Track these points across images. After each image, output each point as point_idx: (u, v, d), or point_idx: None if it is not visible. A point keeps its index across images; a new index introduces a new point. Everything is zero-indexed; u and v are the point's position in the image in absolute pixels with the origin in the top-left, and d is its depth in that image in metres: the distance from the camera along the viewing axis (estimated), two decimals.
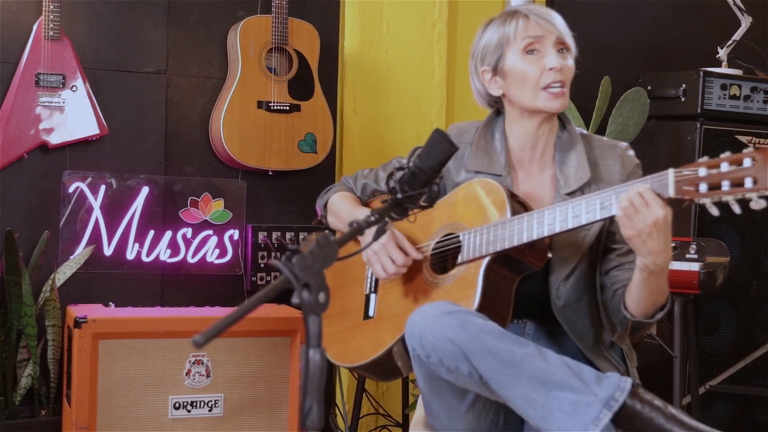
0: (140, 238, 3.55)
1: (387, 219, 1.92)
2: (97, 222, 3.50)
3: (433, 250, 2.34)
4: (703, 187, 1.89)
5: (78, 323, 3.04)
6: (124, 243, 3.53)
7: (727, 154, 1.87)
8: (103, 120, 3.44)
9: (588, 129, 3.56)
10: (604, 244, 2.29)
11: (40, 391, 3.32)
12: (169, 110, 3.63)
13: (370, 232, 1.92)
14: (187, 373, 3.17)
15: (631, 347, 2.36)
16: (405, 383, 3.64)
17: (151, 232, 3.57)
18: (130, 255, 3.55)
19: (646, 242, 1.98)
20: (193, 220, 3.64)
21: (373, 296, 2.45)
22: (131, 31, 3.57)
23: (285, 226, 3.74)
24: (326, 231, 2.56)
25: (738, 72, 3.91)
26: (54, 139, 3.38)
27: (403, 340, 2.17)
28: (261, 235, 3.70)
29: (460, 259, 2.26)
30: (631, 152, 2.35)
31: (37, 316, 3.30)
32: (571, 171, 2.30)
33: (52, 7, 3.30)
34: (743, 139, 3.80)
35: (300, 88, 3.64)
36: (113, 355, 3.10)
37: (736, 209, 1.87)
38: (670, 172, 1.95)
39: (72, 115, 3.39)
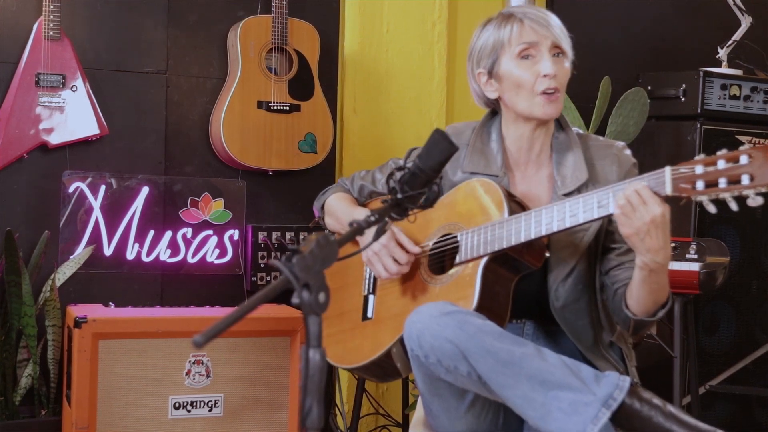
0: (140, 238, 3.55)
1: (387, 219, 1.92)
2: (97, 222, 3.50)
3: (431, 250, 2.34)
4: (700, 185, 1.89)
5: (78, 323, 3.04)
6: (124, 243, 3.53)
7: (723, 152, 1.88)
8: (103, 120, 3.44)
9: (588, 129, 3.56)
10: (603, 243, 2.29)
11: (40, 391, 3.32)
12: (169, 110, 3.63)
13: (369, 233, 1.92)
14: (187, 373, 3.17)
15: (630, 347, 2.36)
16: (405, 383, 3.64)
17: (151, 232, 3.57)
18: (130, 255, 3.55)
19: (644, 240, 1.98)
20: (193, 220, 3.64)
21: (371, 297, 2.45)
22: (131, 31, 3.57)
23: (285, 226, 3.74)
24: (326, 231, 2.57)
25: (738, 72, 3.91)
26: (54, 139, 3.38)
27: (401, 340, 2.17)
28: (261, 235, 3.70)
29: (458, 259, 2.26)
30: (628, 152, 2.35)
31: (37, 316, 3.30)
32: (568, 171, 2.30)
33: (52, 7, 3.30)
34: (743, 139, 3.81)
35: (300, 88, 3.64)
36: (113, 355, 3.10)
37: (734, 206, 1.87)
38: (667, 169, 1.95)
39: (72, 115, 3.39)
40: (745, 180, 1.83)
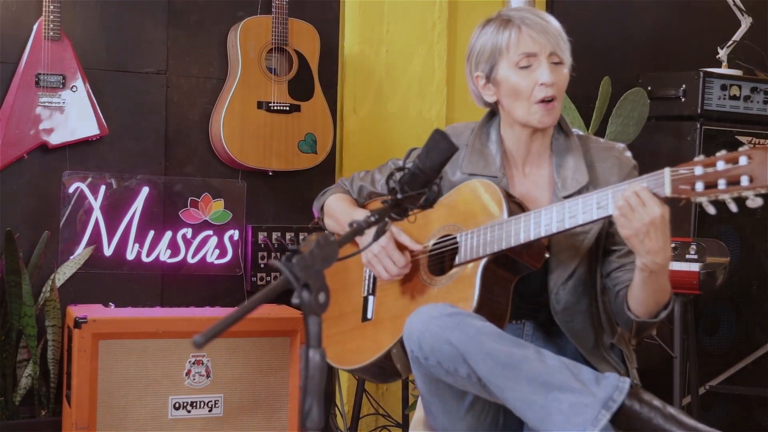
0: (140, 239, 3.55)
1: (387, 219, 1.92)
2: (97, 222, 3.50)
3: (431, 251, 2.34)
4: (699, 186, 1.89)
5: (78, 323, 3.04)
6: (124, 243, 3.53)
7: (722, 153, 1.87)
8: (103, 120, 3.44)
9: (588, 130, 3.56)
10: (604, 246, 2.29)
11: (40, 391, 3.32)
12: (169, 110, 3.63)
13: (369, 233, 1.92)
14: (187, 373, 3.17)
15: (631, 349, 2.36)
16: (405, 384, 3.64)
17: (151, 233, 3.57)
18: (130, 255, 3.55)
19: (644, 242, 1.98)
20: (193, 220, 3.65)
21: (371, 298, 2.45)
22: (131, 31, 3.57)
23: (285, 227, 3.74)
24: (326, 232, 2.56)
25: (738, 72, 3.91)
26: (54, 139, 3.38)
27: (401, 342, 2.17)
28: (261, 236, 3.70)
29: (457, 260, 2.26)
30: (628, 153, 2.35)
31: (37, 316, 3.30)
32: (568, 174, 2.29)
33: (52, 7, 3.30)
34: (743, 139, 3.81)
35: (300, 88, 3.64)
36: (113, 355, 3.10)
37: (733, 208, 1.87)
38: (667, 171, 1.95)
39: (72, 116, 3.39)
40: (744, 181, 1.83)
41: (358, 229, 1.81)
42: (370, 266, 2.37)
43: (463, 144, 2.38)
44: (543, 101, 2.23)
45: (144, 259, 3.56)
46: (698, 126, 3.73)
